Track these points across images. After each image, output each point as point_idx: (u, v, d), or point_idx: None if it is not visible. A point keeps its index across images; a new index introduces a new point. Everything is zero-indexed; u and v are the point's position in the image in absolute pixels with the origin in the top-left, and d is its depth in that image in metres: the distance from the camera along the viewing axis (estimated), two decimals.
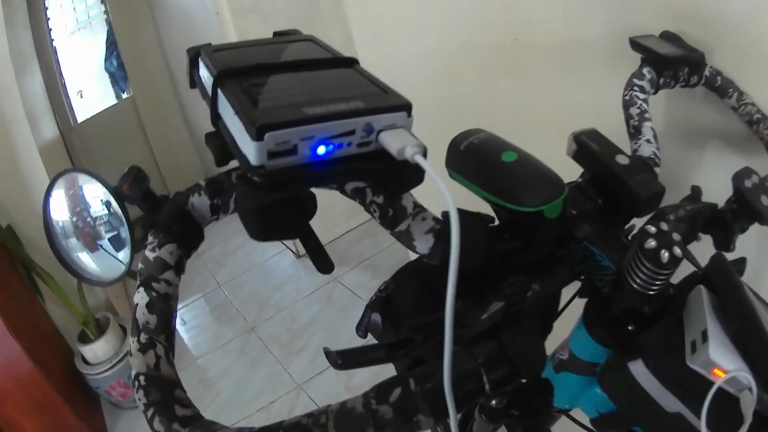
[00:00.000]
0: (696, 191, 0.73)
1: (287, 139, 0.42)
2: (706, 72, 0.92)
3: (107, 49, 4.32)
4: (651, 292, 0.55)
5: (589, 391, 0.69)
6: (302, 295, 3.22)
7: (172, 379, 0.49)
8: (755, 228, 0.71)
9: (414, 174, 0.48)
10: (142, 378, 0.47)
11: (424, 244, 0.60)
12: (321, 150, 0.44)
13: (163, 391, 0.47)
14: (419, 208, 0.62)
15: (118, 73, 4.40)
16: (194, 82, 0.57)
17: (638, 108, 0.78)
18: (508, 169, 0.55)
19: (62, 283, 2.54)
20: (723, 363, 0.51)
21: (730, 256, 0.66)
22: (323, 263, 0.60)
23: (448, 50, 1.48)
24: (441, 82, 1.54)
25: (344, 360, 0.52)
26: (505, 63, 1.34)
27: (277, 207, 0.45)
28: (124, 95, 4.49)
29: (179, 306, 3.12)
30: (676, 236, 0.55)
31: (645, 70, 0.86)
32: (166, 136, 4.62)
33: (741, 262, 0.69)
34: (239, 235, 3.72)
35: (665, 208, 0.67)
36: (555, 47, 1.19)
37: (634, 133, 0.77)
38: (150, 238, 0.54)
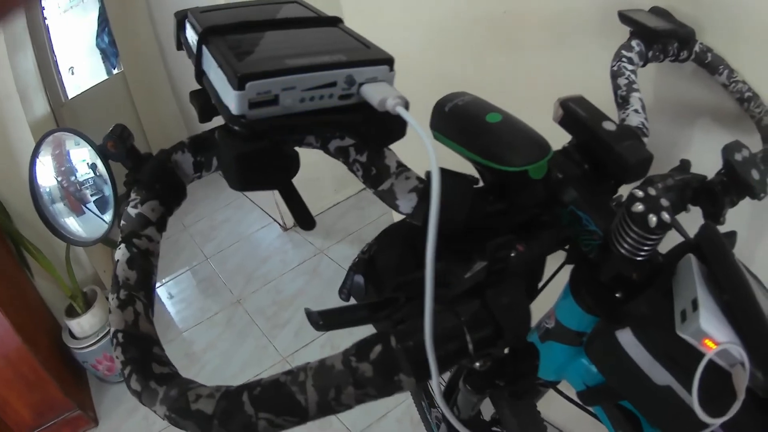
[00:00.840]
0: (685, 163, 0.73)
1: (268, 89, 0.43)
2: (696, 48, 0.92)
3: (99, 25, 4.29)
4: (639, 259, 0.55)
5: (576, 363, 0.68)
6: (288, 267, 3.20)
7: (151, 336, 0.49)
8: (748, 204, 0.71)
9: (395, 127, 0.49)
10: (120, 335, 0.47)
11: (407, 203, 0.60)
12: (302, 100, 0.45)
13: (141, 348, 0.47)
14: (402, 168, 0.61)
15: (109, 49, 4.37)
16: (180, 43, 0.57)
17: (626, 78, 0.78)
18: (493, 129, 0.56)
19: (50, 258, 2.53)
20: (714, 334, 0.50)
21: (721, 230, 0.67)
22: (305, 220, 0.61)
23: (438, 23, 1.47)
24: (431, 56, 1.54)
25: (325, 321, 0.52)
26: (495, 36, 1.33)
27: (256, 156, 0.46)
28: (115, 71, 4.46)
29: (166, 279, 3.12)
30: (664, 202, 0.54)
31: (634, 43, 0.85)
32: (156, 112, 4.60)
33: (731, 236, 0.68)
34: (226, 208, 3.74)
35: (653, 176, 0.68)
36: (545, 20, 1.19)
37: (622, 103, 0.76)
38: (133, 195, 0.54)
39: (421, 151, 0.42)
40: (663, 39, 0.86)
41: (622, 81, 0.78)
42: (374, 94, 0.46)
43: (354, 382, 0.44)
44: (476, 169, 0.61)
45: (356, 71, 0.46)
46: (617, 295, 0.59)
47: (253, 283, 3.18)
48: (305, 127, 0.49)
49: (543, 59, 1.23)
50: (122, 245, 0.52)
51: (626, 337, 0.56)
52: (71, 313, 2.57)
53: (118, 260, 0.52)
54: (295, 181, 0.54)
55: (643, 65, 0.86)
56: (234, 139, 0.46)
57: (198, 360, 2.74)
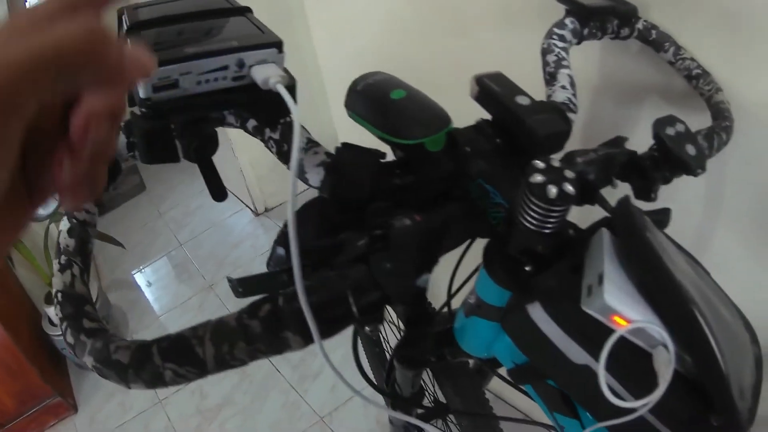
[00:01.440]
0: (619, 139, 0.73)
1: (168, 75, 0.48)
2: (639, 25, 0.91)
3: None
4: (546, 231, 0.55)
5: (502, 339, 0.67)
6: (259, 252, 3.23)
7: (84, 296, 0.55)
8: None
9: (283, 104, 0.50)
10: (59, 295, 0.54)
11: (315, 176, 0.64)
12: (199, 83, 0.50)
13: (75, 306, 0.54)
14: (312, 143, 0.66)
15: None
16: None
17: (555, 56, 0.78)
18: (395, 105, 0.58)
19: (29, 246, 2.53)
20: (624, 310, 0.50)
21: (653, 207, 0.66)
22: (217, 192, 0.64)
23: (396, 12, 1.49)
24: (387, 42, 1.56)
25: (244, 287, 0.53)
26: (446, 20, 1.34)
27: (159, 133, 0.52)
28: None
29: (143, 266, 3.12)
30: (568, 173, 0.54)
31: (567, 20, 0.85)
32: None
33: (664, 213, 0.68)
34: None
35: (575, 151, 0.68)
36: (493, 2, 1.19)
37: (550, 80, 0.76)
38: None
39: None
40: (599, 16, 0.86)
41: (551, 58, 0.78)
42: (260, 74, 0.51)
43: (245, 338, 0.49)
44: (390, 146, 0.62)
45: (246, 55, 0.51)
46: (527, 268, 0.59)
47: (225, 268, 3.21)
48: (201, 106, 0.53)
49: (492, 42, 1.24)
50: (65, 218, 0.59)
51: (537, 312, 0.56)
52: (50, 300, 2.56)
53: (60, 230, 0.59)
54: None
55: (578, 43, 0.86)
56: (142, 120, 0.51)
57: None
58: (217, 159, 0.59)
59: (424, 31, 1.43)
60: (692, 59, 0.91)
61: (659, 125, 0.70)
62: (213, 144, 0.58)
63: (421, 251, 0.55)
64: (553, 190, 0.52)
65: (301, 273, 0.48)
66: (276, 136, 0.66)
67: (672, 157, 0.67)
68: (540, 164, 0.54)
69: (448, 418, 1.23)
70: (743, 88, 0.87)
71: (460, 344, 0.77)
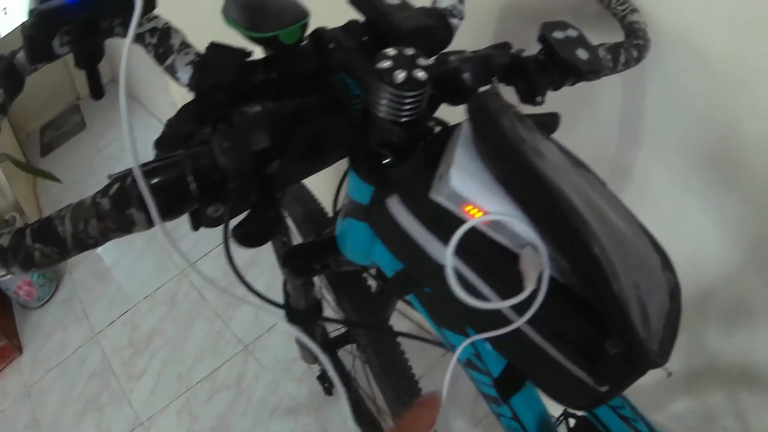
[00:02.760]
0: (505, 44, 0.72)
1: None
2: None
3: None
4: (400, 120, 0.54)
5: (377, 243, 0.66)
6: None
7: None
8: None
9: (148, 5, 0.57)
10: None
11: (184, 75, 0.65)
12: None
13: None
14: (185, 45, 0.67)
15: None
16: None
17: None
18: (258, 3, 0.58)
19: None
20: (473, 198, 0.49)
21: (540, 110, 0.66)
22: (95, 91, 0.68)
23: None
24: None
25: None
26: None
27: (40, 35, 0.56)
28: None
29: None
30: (422, 61, 0.53)
31: None
32: None
33: (553, 117, 0.68)
34: (136, 129, 3.63)
35: (450, 51, 0.67)
36: None
37: None
38: None
39: None
40: None
41: None
42: None
43: (96, 215, 0.50)
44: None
45: None
46: (385, 161, 0.59)
47: None
48: (77, 12, 0.56)
49: None
50: None
51: (395, 206, 0.55)
52: None
53: None
54: None
55: None
56: (29, 27, 0.55)
57: (104, 278, 2.79)
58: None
59: None
60: None
61: (546, 28, 0.69)
62: (99, 54, 0.63)
63: (271, 135, 0.55)
64: (400, 75, 0.51)
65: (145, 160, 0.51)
66: (153, 41, 0.67)
67: (559, 60, 0.67)
68: (391, 51, 0.54)
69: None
70: (655, 10, 0.84)
71: (342, 251, 0.77)
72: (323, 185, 0.68)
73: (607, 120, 1.03)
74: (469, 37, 0.76)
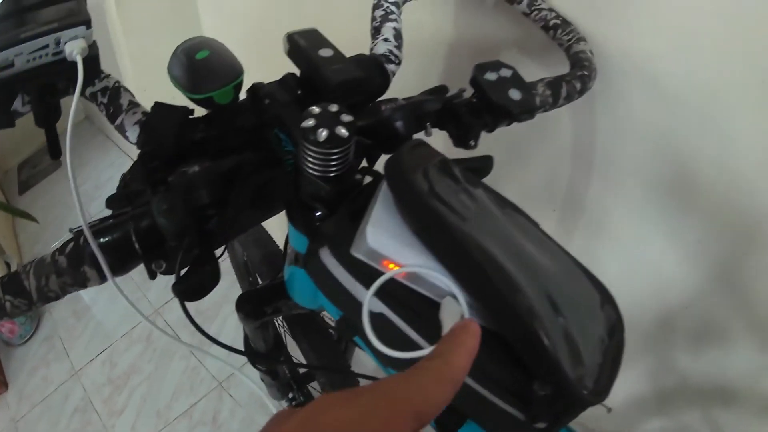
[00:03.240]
0: (441, 88, 0.73)
1: (6, 57, 0.56)
2: None
3: None
4: (329, 175, 0.56)
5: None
6: None
7: None
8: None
9: (92, 71, 0.61)
10: None
11: (133, 133, 0.67)
12: (28, 61, 0.58)
13: None
14: (133, 105, 0.69)
15: None
16: None
17: (383, 10, 0.77)
18: (196, 64, 0.60)
19: None
20: (389, 254, 0.50)
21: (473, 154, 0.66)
22: (54, 151, 0.70)
23: None
24: (263, 14, 1.57)
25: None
26: None
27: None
28: None
29: (57, 245, 3.13)
30: (345, 117, 0.55)
31: None
32: None
33: (486, 160, 0.68)
34: (110, 168, 3.63)
35: (382, 100, 0.68)
36: None
37: (374, 33, 0.76)
38: None
39: None
40: None
41: (378, 13, 0.77)
42: (68, 48, 0.58)
43: (56, 271, 0.54)
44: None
45: (62, 34, 0.57)
46: (317, 214, 0.60)
47: None
48: (31, 80, 0.60)
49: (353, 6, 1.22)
50: None
51: (327, 257, 0.56)
52: None
53: None
54: None
55: None
56: None
57: (82, 317, 2.79)
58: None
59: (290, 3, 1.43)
60: (550, 9, 0.89)
61: (478, 70, 0.69)
62: (57, 113, 0.66)
63: (208, 193, 0.58)
64: (323, 134, 0.53)
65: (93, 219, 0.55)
66: (105, 100, 0.70)
67: (491, 103, 0.67)
68: (315, 109, 0.55)
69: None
70: (603, 38, 0.86)
71: (291, 296, 0.78)
72: (283, 228, 0.69)
73: (558, 150, 1.04)
74: (418, 77, 0.77)
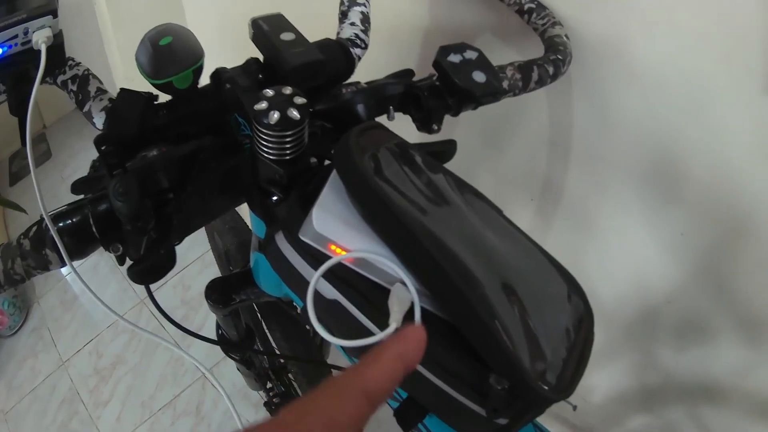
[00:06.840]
0: (406, 71, 0.72)
1: None
2: None
3: None
4: (284, 158, 0.55)
5: None
6: None
7: None
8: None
9: (58, 59, 0.67)
10: None
11: (99, 120, 0.68)
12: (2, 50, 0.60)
13: None
14: (101, 91, 0.70)
15: None
16: None
17: None
18: (158, 50, 0.59)
19: None
20: (336, 238, 0.49)
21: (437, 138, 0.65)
22: (25, 137, 0.68)
23: None
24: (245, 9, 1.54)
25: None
26: None
27: None
28: None
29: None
30: (299, 100, 0.54)
31: None
32: None
33: (448, 144, 0.68)
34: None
35: (345, 83, 0.68)
36: None
37: (342, 17, 0.75)
38: None
39: None
40: None
41: None
42: (35, 37, 0.61)
43: (20, 255, 0.56)
44: None
45: (29, 24, 0.60)
46: (274, 198, 0.59)
47: None
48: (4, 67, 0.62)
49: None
50: None
51: (282, 242, 0.55)
52: None
53: None
54: None
55: None
56: None
57: (69, 307, 2.79)
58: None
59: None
60: None
61: (442, 52, 0.68)
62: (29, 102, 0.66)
63: (165, 177, 0.59)
64: (274, 116, 0.52)
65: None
66: (74, 87, 0.70)
67: (454, 86, 0.66)
68: (269, 92, 0.55)
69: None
70: (579, 22, 0.84)
71: (258, 283, 0.78)
72: None
73: (536, 137, 1.02)
74: (394, 64, 0.76)
